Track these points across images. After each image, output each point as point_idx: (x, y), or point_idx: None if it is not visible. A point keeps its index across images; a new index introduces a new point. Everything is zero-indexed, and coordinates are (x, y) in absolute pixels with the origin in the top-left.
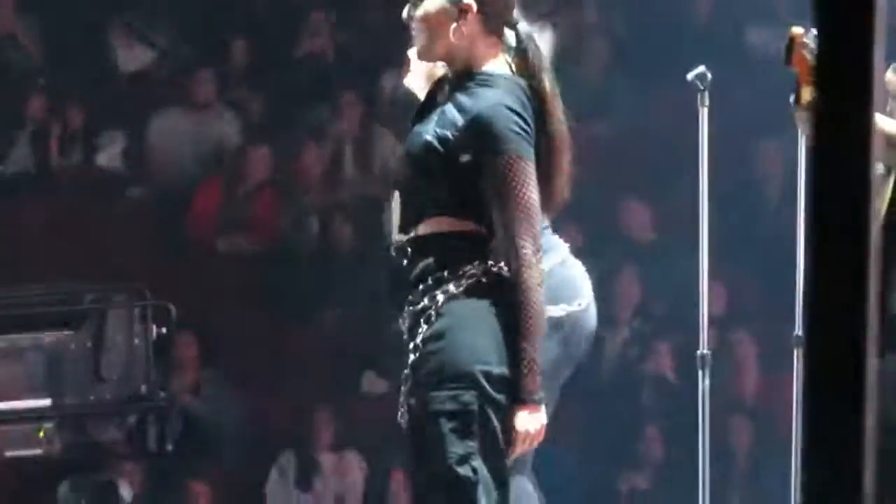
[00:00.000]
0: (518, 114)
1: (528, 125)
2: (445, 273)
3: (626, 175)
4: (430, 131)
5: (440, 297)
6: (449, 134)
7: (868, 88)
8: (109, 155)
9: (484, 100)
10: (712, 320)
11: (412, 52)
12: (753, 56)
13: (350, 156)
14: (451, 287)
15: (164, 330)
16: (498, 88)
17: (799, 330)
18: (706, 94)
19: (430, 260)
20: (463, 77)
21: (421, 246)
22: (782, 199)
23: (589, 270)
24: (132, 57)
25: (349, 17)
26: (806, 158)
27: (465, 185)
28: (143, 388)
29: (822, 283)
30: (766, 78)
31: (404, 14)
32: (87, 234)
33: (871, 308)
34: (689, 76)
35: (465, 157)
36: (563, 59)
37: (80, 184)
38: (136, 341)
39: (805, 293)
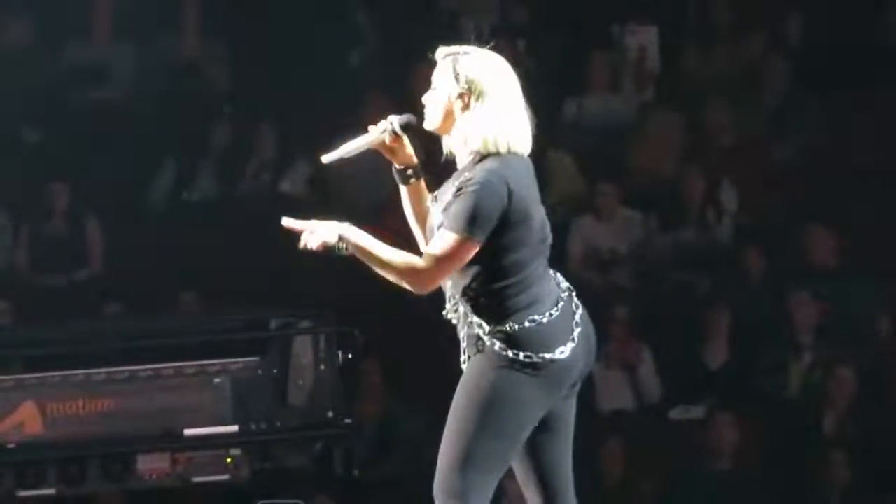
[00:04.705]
0: None
1: None
2: None
3: (809, 199)
4: None
5: None
6: None
7: None
8: (294, 181)
9: None
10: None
11: None
12: None
13: None
14: None
15: (349, 356)
16: None
17: None
18: None
19: None
20: None
21: None
22: None
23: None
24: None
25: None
26: None
27: None
28: (330, 413)
29: None
30: None
31: None
32: (273, 260)
33: None
34: None
35: None
36: (743, 82)
37: (265, 209)
38: (322, 367)
39: None
